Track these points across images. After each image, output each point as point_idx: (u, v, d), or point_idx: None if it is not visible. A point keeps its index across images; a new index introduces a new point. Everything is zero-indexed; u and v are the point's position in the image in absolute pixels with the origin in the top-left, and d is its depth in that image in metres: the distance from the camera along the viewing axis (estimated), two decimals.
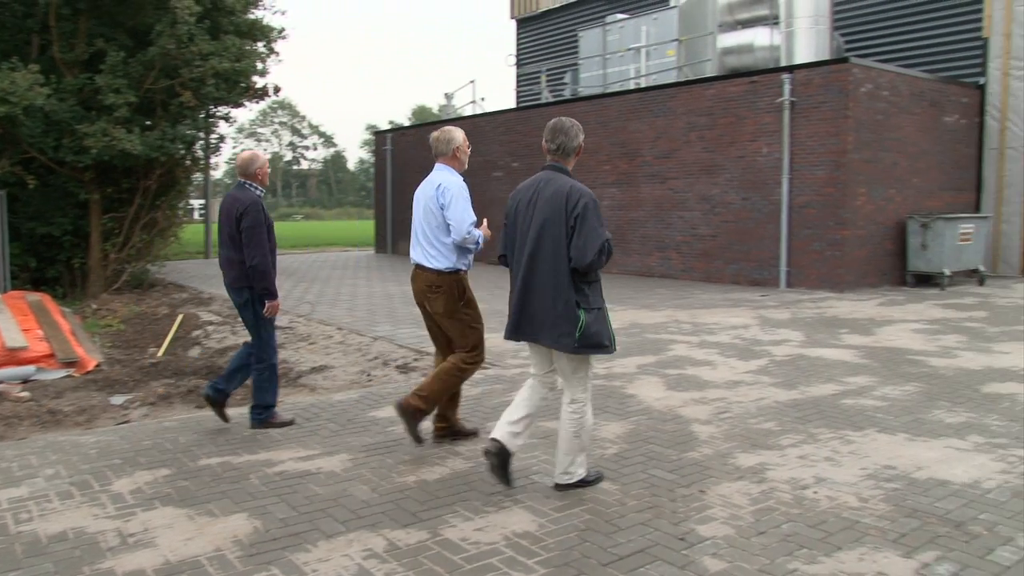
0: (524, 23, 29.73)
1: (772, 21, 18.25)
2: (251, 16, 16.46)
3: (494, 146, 21.15)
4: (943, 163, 16.25)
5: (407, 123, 75.64)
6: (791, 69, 15.00)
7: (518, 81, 29.32)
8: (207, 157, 18.70)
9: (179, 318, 11.38)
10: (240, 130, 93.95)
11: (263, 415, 6.01)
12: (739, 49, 18.82)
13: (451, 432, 5.62)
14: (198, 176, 21.17)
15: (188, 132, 15.46)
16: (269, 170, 6.26)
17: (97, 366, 8.28)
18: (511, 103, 29.87)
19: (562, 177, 4.53)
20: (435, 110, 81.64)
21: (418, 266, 5.45)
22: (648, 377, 7.59)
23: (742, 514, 4.24)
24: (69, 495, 4.60)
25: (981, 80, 16.91)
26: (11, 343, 8.05)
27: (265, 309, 6.00)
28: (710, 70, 18.54)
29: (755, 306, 12.46)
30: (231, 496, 4.58)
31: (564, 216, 4.37)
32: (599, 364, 7.90)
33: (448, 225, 5.27)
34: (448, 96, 27.00)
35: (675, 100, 16.79)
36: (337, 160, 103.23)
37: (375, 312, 12.19)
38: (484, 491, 4.62)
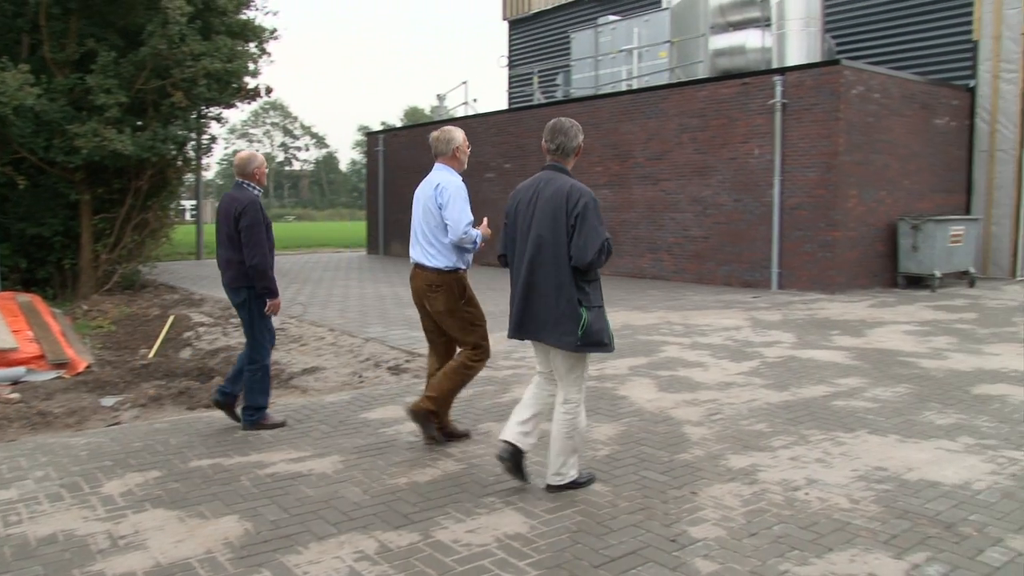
0: (516, 24, 29.74)
1: (764, 23, 18.29)
2: (243, 16, 16.41)
3: (486, 147, 21.14)
4: (934, 165, 16.32)
5: (399, 124, 75.60)
6: (783, 71, 15.04)
7: (510, 82, 29.33)
8: (198, 158, 18.67)
9: (170, 319, 11.34)
10: (232, 131, 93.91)
11: (255, 416, 6.00)
12: (731, 51, 18.86)
13: (443, 434, 5.61)
14: (189, 177, 21.12)
15: (179, 133, 15.41)
16: (267, 170, 6.27)
17: (88, 367, 8.25)
18: (503, 104, 29.86)
19: (562, 177, 4.56)
20: (427, 111, 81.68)
21: (417, 265, 5.47)
22: (640, 379, 7.60)
23: (734, 515, 4.25)
24: (59, 497, 4.58)
25: (971, 83, 16.98)
26: (1, 344, 8.01)
27: (267, 308, 6.03)
28: (702, 72, 18.57)
29: (747, 308, 12.49)
30: (222, 498, 4.56)
31: (565, 215, 4.39)
32: (590, 365, 7.90)
33: (446, 225, 5.28)
34: (440, 97, 26.99)
35: (667, 102, 16.82)
36: (329, 161, 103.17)
37: (367, 313, 12.17)
38: (476, 493, 4.62)
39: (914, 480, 4.79)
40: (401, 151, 25.47)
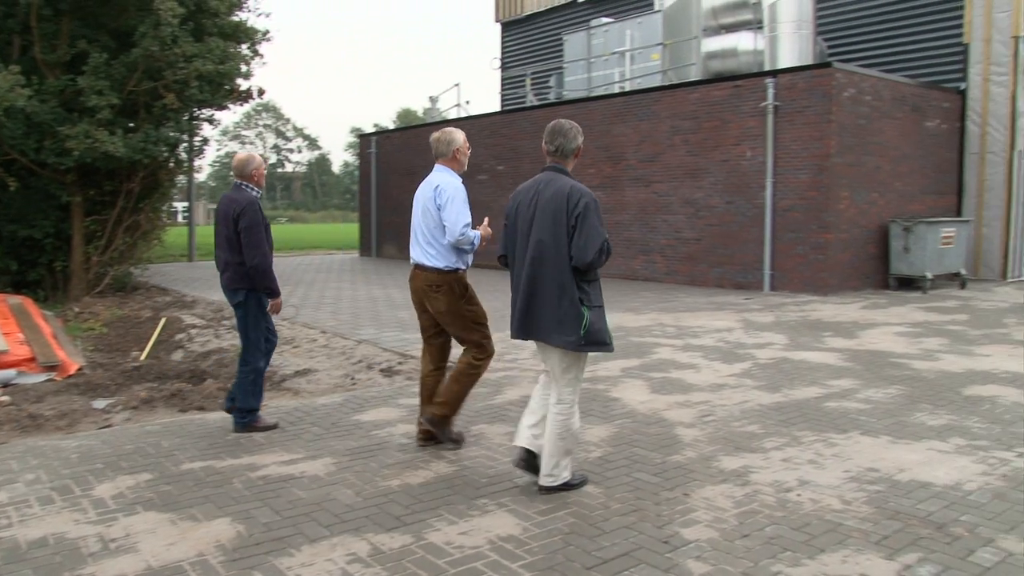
0: (509, 26, 29.77)
1: (756, 26, 18.34)
2: (235, 18, 16.37)
3: (479, 149, 21.13)
4: (925, 167, 16.38)
5: (392, 126, 75.64)
6: (775, 73, 15.08)
7: (503, 84, 29.36)
8: (191, 160, 18.59)
9: (162, 321, 11.31)
10: (224, 132, 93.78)
11: (247, 419, 5.99)
12: (723, 53, 18.91)
13: (436, 436, 5.60)
14: (182, 179, 21.05)
15: (171, 134, 15.36)
16: (266, 171, 6.29)
17: (79, 370, 8.21)
18: (496, 106, 29.88)
19: (562, 178, 4.59)
20: (420, 113, 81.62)
21: (417, 265, 5.49)
22: (632, 380, 7.61)
23: (726, 517, 4.26)
24: (50, 500, 4.56)
25: (962, 85, 17.05)
26: None
27: (269, 307, 6.08)
28: (694, 74, 18.61)
29: (739, 309, 12.51)
30: (214, 500, 4.55)
31: (565, 216, 4.42)
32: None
33: (444, 226, 5.31)
34: (433, 99, 26.98)
35: (659, 104, 16.84)
36: (322, 163, 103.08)
37: (359, 315, 12.16)
38: (468, 495, 4.62)
39: (906, 481, 4.80)
40: (394, 153, 25.46)
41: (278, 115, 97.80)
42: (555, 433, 4.57)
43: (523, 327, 4.61)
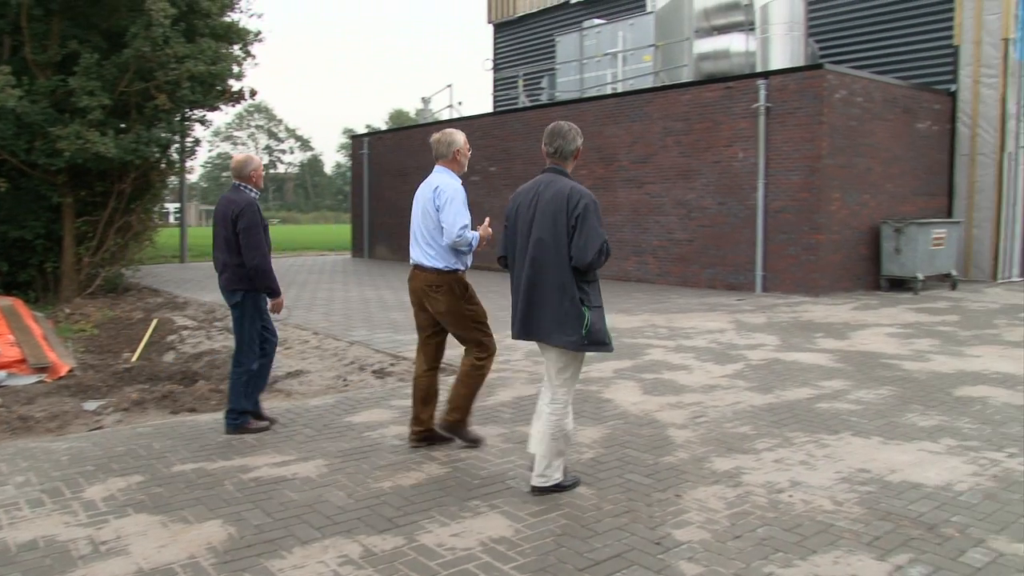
0: (501, 27, 29.78)
1: (748, 27, 18.39)
2: (227, 19, 16.36)
3: (471, 150, 21.13)
4: (916, 169, 16.43)
5: (384, 127, 75.57)
6: (766, 75, 15.12)
7: (495, 85, 29.37)
8: (182, 160, 18.57)
9: (154, 323, 11.28)
10: (216, 133, 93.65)
11: (238, 420, 5.97)
12: (715, 55, 18.96)
13: (428, 437, 5.60)
14: (173, 180, 21.01)
15: (163, 135, 15.33)
16: (264, 173, 6.32)
17: (70, 371, 8.19)
18: (488, 107, 29.88)
19: (562, 179, 4.62)
20: (412, 114, 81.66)
21: (417, 266, 5.50)
22: (625, 381, 7.61)
23: (718, 518, 4.26)
24: (40, 503, 4.54)
25: (952, 87, 17.12)
26: None
27: (270, 306, 6.14)
28: (686, 75, 18.65)
29: (731, 310, 12.53)
30: (205, 503, 4.54)
31: (565, 217, 4.45)
32: None
33: (443, 227, 5.33)
34: (425, 100, 27.00)
35: (651, 105, 16.87)
36: (314, 164, 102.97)
37: (351, 317, 12.14)
38: (460, 496, 4.61)
39: (897, 482, 4.82)
40: (386, 154, 25.44)
41: (270, 116, 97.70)
42: (547, 433, 4.57)
43: (524, 328, 4.63)
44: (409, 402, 6.19)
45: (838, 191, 14.54)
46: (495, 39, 30.09)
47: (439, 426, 5.57)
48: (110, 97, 13.81)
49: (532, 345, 8.84)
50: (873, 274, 15.48)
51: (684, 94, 16.33)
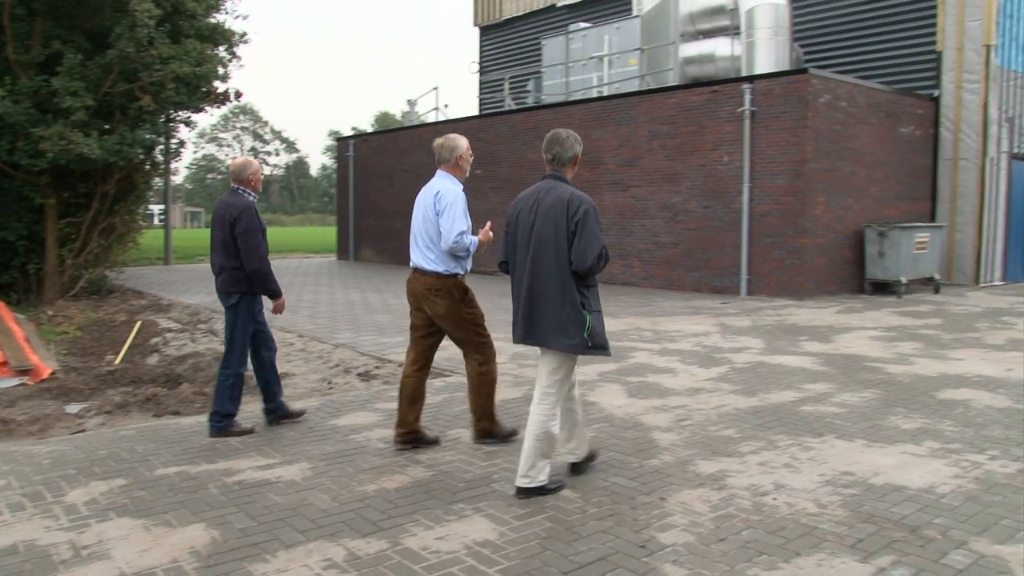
0: (487, 30, 29.79)
1: (733, 32, 18.47)
2: (212, 20, 16.28)
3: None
4: (899, 173, 16.54)
5: (370, 129, 75.45)
6: (752, 79, 15.19)
7: (481, 88, 29.36)
8: (167, 162, 18.46)
9: (137, 325, 11.21)
10: (201, 135, 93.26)
11: (222, 423, 5.95)
12: (700, 59, 19.02)
13: (413, 439, 5.60)
14: (158, 181, 20.90)
15: (147, 136, 15.24)
16: (262, 176, 6.36)
17: (52, 374, 8.13)
18: (474, 110, 29.89)
19: (562, 185, 4.70)
20: (398, 116, 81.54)
21: (417, 269, 5.55)
22: (609, 384, 7.62)
23: (702, 521, 4.27)
24: (20, 507, 4.51)
25: (935, 92, 17.25)
26: None
27: (272, 308, 6.25)
28: (672, 79, 18.71)
29: (716, 313, 12.57)
30: (189, 506, 4.51)
31: (565, 222, 4.52)
32: None
33: (440, 232, 5.38)
34: (411, 103, 26.98)
35: (637, 109, 16.91)
36: (299, 166, 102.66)
37: (336, 319, 12.11)
38: (445, 499, 4.61)
39: (880, 484, 4.84)
40: (371, 156, 25.40)
41: (256, 118, 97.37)
42: (533, 434, 4.61)
43: (526, 332, 4.70)
44: (394, 405, 6.19)
45: (822, 195, 14.61)
46: (481, 42, 30.10)
47: (473, 438, 5.73)
48: (94, 98, 13.72)
49: (518, 348, 8.85)
50: (857, 277, 15.57)
51: (670, 98, 16.38)
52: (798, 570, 3.70)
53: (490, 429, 5.68)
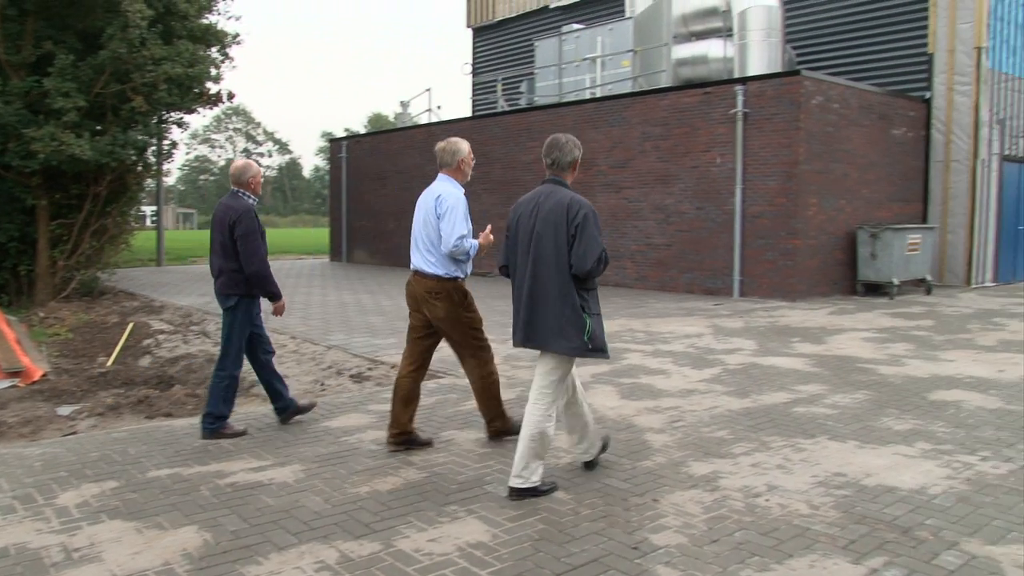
0: (480, 32, 29.79)
1: (726, 33, 18.49)
2: (205, 21, 16.26)
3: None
4: (891, 175, 16.59)
5: (363, 130, 75.36)
6: (744, 81, 15.21)
7: (474, 90, 29.36)
8: (159, 163, 18.44)
9: (129, 327, 11.18)
10: (194, 136, 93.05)
11: (215, 425, 5.93)
12: (693, 60, 19.04)
13: (406, 441, 5.59)
14: (150, 182, 20.86)
15: (140, 138, 15.21)
16: (262, 179, 6.39)
17: (44, 376, 8.10)
18: (467, 112, 29.89)
19: (562, 190, 4.74)
20: (391, 118, 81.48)
21: (417, 272, 5.57)
22: (602, 386, 7.62)
23: (695, 522, 4.28)
24: (11, 509, 4.49)
25: (927, 94, 17.30)
26: None
27: (273, 310, 6.29)
28: (665, 81, 18.73)
29: (709, 315, 12.59)
30: (181, 508, 4.50)
31: (565, 226, 4.57)
32: None
33: (441, 236, 5.41)
34: (404, 104, 26.95)
35: (630, 110, 16.93)
36: (292, 167, 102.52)
37: (329, 321, 12.09)
38: (437, 501, 4.60)
39: (872, 485, 4.85)
40: (364, 157, 25.37)
41: (248, 119, 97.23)
42: (528, 434, 4.63)
43: (526, 335, 4.73)
44: (387, 407, 6.19)
45: (815, 196, 14.65)
46: (474, 43, 30.10)
47: (489, 439, 5.81)
48: (85, 99, 13.69)
49: (511, 350, 8.86)
50: (849, 279, 15.61)
51: (662, 99, 16.40)
52: (790, 571, 3.71)
53: (503, 427, 5.74)
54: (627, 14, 21.10)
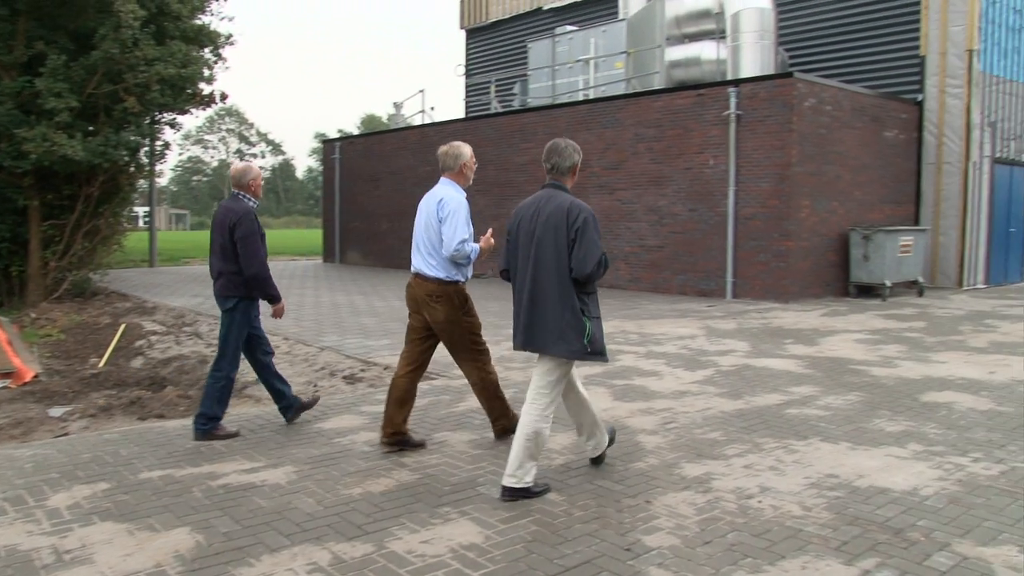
0: (473, 33, 29.79)
1: (719, 35, 18.53)
2: (198, 22, 16.24)
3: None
4: (884, 177, 16.64)
5: (356, 132, 75.27)
6: (737, 83, 15.25)
7: (467, 91, 29.36)
8: (152, 164, 18.37)
9: (121, 328, 11.15)
10: (186, 137, 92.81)
11: (207, 426, 5.92)
12: (686, 62, 19.08)
13: (400, 441, 5.59)
14: (142, 183, 20.80)
15: (132, 138, 15.17)
16: (263, 182, 6.42)
17: (35, 377, 8.07)
18: (460, 113, 29.89)
19: (562, 194, 4.78)
20: (384, 119, 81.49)
21: (418, 274, 5.59)
22: (595, 388, 7.63)
23: (688, 524, 4.28)
24: (2, 511, 4.47)
25: (919, 97, 17.36)
26: None
27: (272, 312, 6.34)
28: (658, 83, 18.76)
29: (702, 316, 12.61)
30: (173, 510, 4.49)
31: (566, 230, 4.61)
32: None
33: (442, 239, 5.44)
34: (397, 105, 26.93)
35: (623, 112, 16.95)
36: (285, 168, 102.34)
37: (322, 322, 12.07)
38: (430, 503, 4.60)
39: (864, 487, 4.86)
40: (357, 159, 25.35)
41: (241, 119, 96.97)
42: (523, 434, 4.66)
43: (527, 338, 4.77)
44: (380, 408, 6.18)
45: (807, 198, 14.68)
46: (467, 45, 30.10)
47: (496, 438, 5.84)
48: (78, 99, 13.64)
49: (503, 352, 8.86)
50: (842, 280, 15.65)
51: (656, 101, 16.43)
52: (783, 573, 3.71)
53: (509, 425, 5.74)
54: (620, 16, 21.13)
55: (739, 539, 4.09)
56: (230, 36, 16.86)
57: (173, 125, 17.17)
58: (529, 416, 4.68)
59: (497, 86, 24.93)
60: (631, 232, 16.76)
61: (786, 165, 14.32)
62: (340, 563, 3.82)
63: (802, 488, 4.83)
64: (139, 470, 5.21)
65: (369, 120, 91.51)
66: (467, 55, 30.04)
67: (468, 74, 29.56)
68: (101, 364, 9.00)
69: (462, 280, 5.55)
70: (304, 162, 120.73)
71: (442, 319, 5.50)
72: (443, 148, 5.68)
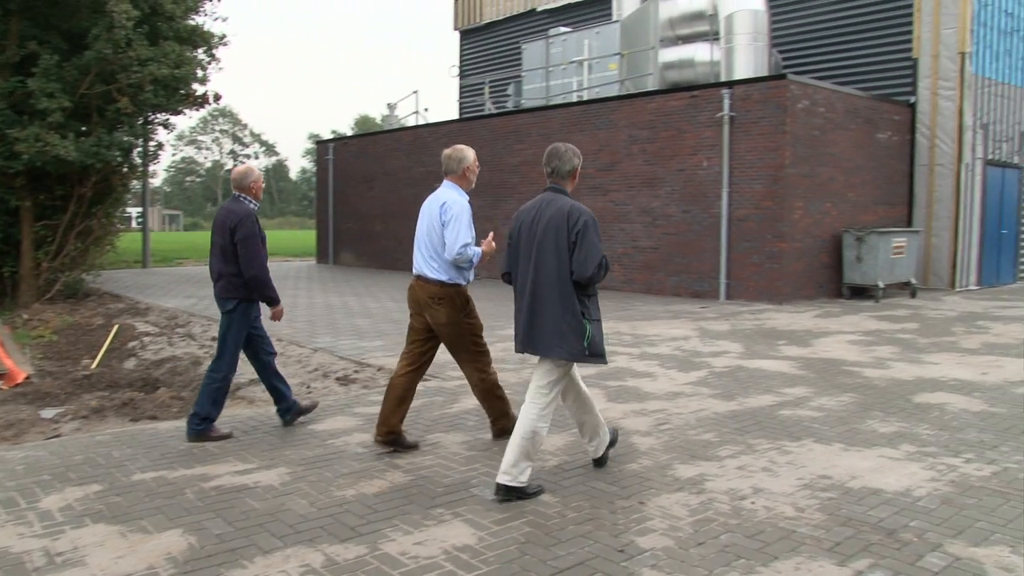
0: (467, 34, 29.79)
1: (712, 37, 18.56)
2: (191, 22, 16.22)
3: (436, 157, 21.04)
4: (877, 178, 16.68)
5: (349, 133, 75.23)
6: (730, 84, 15.27)
7: (461, 92, 29.36)
8: (145, 164, 18.36)
9: (114, 329, 11.12)
10: (180, 137, 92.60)
11: (201, 427, 5.91)
12: (680, 64, 19.11)
13: (394, 441, 5.59)
14: (135, 184, 20.76)
15: (125, 139, 15.14)
16: (263, 184, 6.43)
17: (27, 378, 8.04)
18: (454, 114, 29.90)
19: (562, 198, 4.82)
20: (378, 120, 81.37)
21: (420, 277, 5.60)
22: (589, 389, 7.58)
23: (681, 525, 4.28)
24: None
25: (912, 99, 17.41)
26: None
27: (271, 315, 6.33)
28: (651, 84, 18.78)
29: (695, 318, 12.62)
30: (165, 512, 4.48)
31: (566, 233, 4.65)
32: None
33: (445, 243, 5.46)
34: (391, 106, 26.92)
35: (617, 113, 16.96)
36: (279, 169, 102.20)
37: (316, 323, 12.05)
38: (423, 504, 4.59)
39: (857, 488, 4.87)
40: (351, 160, 25.33)
41: (235, 120, 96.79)
42: (520, 433, 4.68)
43: (528, 340, 4.80)
44: (373, 409, 6.18)
45: (801, 200, 14.71)
46: (461, 46, 30.10)
47: (494, 438, 5.88)
48: (70, 99, 13.61)
49: (499, 353, 8.84)
50: (835, 282, 15.68)
51: (649, 102, 16.44)
52: (776, 574, 3.72)
53: (508, 426, 5.74)
54: (614, 17, 21.16)
55: (732, 540, 4.09)
56: (224, 37, 16.86)
57: (166, 126, 17.16)
58: (527, 416, 4.70)
59: (491, 87, 24.93)
60: (625, 233, 16.78)
61: (779, 167, 14.35)
62: (333, 565, 3.81)
63: (795, 489, 4.84)
64: (131, 472, 5.19)
65: (363, 121, 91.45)
66: (461, 56, 30.04)
67: (462, 75, 29.56)
68: (94, 365, 8.97)
69: (464, 283, 5.58)
70: (298, 163, 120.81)
71: (444, 321, 5.51)
72: (447, 151, 5.69)
